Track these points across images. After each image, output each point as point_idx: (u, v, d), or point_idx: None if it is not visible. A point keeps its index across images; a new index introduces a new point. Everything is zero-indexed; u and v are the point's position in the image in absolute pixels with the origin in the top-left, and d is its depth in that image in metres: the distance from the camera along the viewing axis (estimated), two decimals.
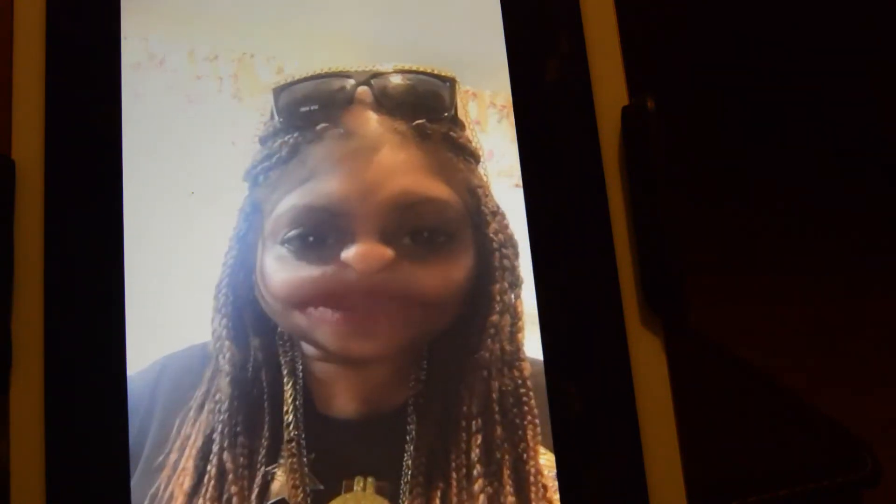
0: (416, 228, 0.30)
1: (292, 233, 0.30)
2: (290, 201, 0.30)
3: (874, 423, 0.45)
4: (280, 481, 0.30)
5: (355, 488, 0.30)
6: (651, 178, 0.32)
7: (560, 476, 0.30)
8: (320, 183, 0.30)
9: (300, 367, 0.31)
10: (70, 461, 0.29)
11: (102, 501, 0.29)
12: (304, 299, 0.30)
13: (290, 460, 0.29)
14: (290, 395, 0.30)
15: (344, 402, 0.31)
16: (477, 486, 0.30)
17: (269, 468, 0.30)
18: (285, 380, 0.30)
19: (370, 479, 0.30)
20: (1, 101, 0.31)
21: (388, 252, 0.29)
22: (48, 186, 0.31)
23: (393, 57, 0.32)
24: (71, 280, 0.30)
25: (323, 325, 0.30)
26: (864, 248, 0.67)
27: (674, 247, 0.31)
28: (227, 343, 0.30)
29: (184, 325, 0.31)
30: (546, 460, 0.30)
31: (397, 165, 0.30)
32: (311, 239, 0.30)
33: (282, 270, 0.30)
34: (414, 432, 0.30)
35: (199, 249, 0.31)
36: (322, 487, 0.30)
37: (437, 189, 0.30)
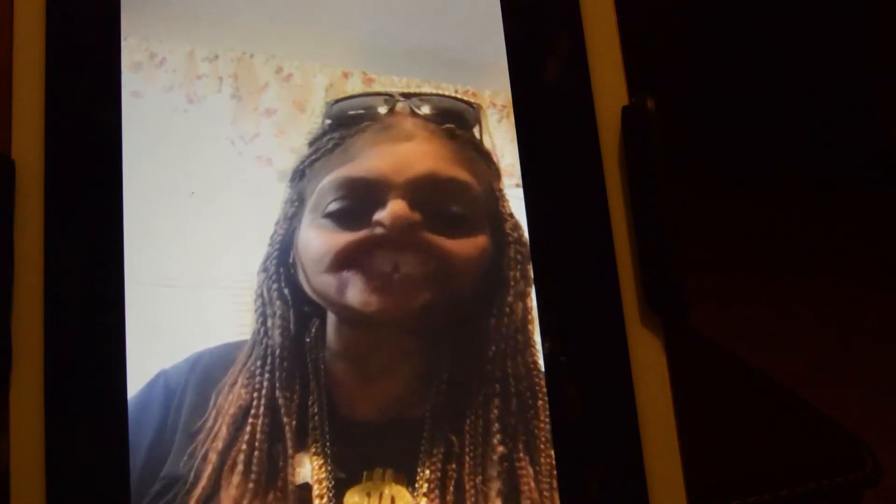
0: (441, 206, 0.32)
1: (333, 205, 0.32)
2: (331, 176, 0.32)
3: (874, 423, 0.45)
4: (304, 467, 0.31)
5: (375, 478, 0.31)
6: (651, 178, 0.32)
7: (560, 476, 0.30)
8: (359, 161, 0.32)
9: (322, 368, 0.32)
10: (70, 461, 0.29)
11: (103, 501, 0.29)
12: (338, 261, 0.32)
13: (314, 447, 0.31)
14: (315, 384, 0.32)
15: (364, 410, 0.32)
16: (494, 472, 0.31)
17: (296, 454, 0.31)
18: (310, 377, 0.32)
19: (389, 471, 0.31)
20: (1, 101, 0.31)
21: (416, 215, 0.32)
22: (48, 186, 0.31)
23: (392, 56, 0.33)
24: (71, 280, 0.30)
25: (353, 283, 0.31)
26: (865, 248, 0.67)
27: (674, 247, 0.31)
28: (278, 303, 0.32)
29: (184, 325, 0.31)
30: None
31: (427, 152, 0.33)
32: (350, 211, 0.32)
33: (321, 238, 0.32)
34: (430, 429, 0.31)
35: (198, 249, 0.31)
36: (344, 476, 0.31)
37: (462, 174, 0.33)
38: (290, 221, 0.32)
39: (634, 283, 0.32)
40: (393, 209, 0.31)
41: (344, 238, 0.32)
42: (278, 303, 0.32)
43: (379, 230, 0.31)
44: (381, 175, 0.32)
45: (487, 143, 0.33)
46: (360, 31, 0.33)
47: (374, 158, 0.32)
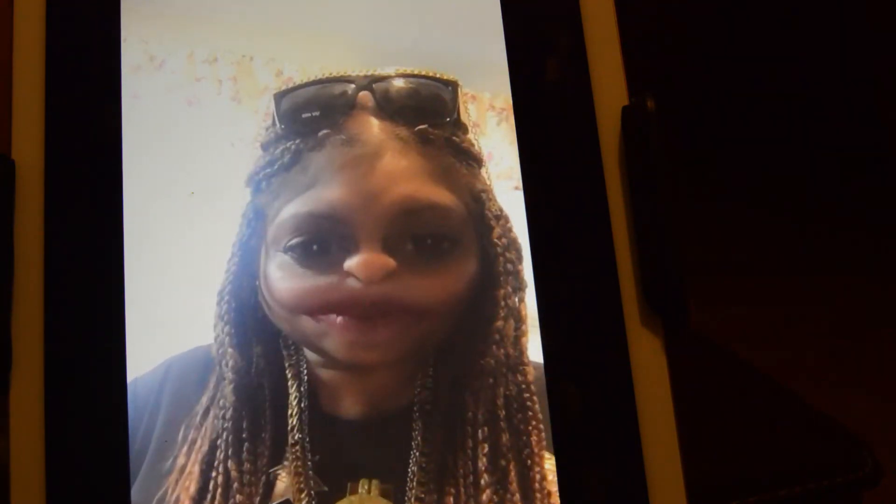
0: (418, 235, 0.30)
1: (295, 240, 0.30)
2: (292, 209, 0.30)
3: (874, 423, 0.45)
4: (284, 483, 0.30)
5: (360, 490, 0.30)
6: (651, 178, 0.32)
7: (560, 477, 0.30)
8: (322, 190, 0.30)
9: (305, 369, 0.31)
10: (70, 461, 0.29)
11: (102, 501, 0.29)
12: (308, 308, 0.30)
13: (294, 462, 0.29)
14: (295, 398, 0.30)
15: (349, 403, 0.31)
16: (484, 496, 0.30)
17: (273, 469, 0.30)
18: (290, 382, 0.30)
19: (374, 482, 0.30)
20: (1, 101, 0.31)
21: (391, 262, 0.30)
22: (48, 186, 0.31)
23: (392, 59, 0.32)
24: (71, 280, 0.30)
25: (327, 333, 0.30)
26: (864, 248, 0.67)
27: (674, 247, 0.31)
28: (229, 350, 0.30)
29: (184, 326, 0.31)
30: (551, 465, 0.30)
31: (399, 172, 0.30)
32: (314, 247, 0.30)
33: (286, 278, 0.30)
34: (420, 437, 0.30)
35: (198, 250, 0.31)
36: (326, 489, 0.30)
37: (440, 195, 0.30)
38: (247, 245, 0.30)
39: (634, 283, 0.32)
40: (365, 259, 0.29)
41: (313, 282, 0.29)
42: (231, 350, 0.30)
43: (352, 282, 0.29)
44: (348, 210, 0.29)
45: (464, 119, 0.31)
46: (359, 32, 0.33)
47: (339, 187, 0.29)
